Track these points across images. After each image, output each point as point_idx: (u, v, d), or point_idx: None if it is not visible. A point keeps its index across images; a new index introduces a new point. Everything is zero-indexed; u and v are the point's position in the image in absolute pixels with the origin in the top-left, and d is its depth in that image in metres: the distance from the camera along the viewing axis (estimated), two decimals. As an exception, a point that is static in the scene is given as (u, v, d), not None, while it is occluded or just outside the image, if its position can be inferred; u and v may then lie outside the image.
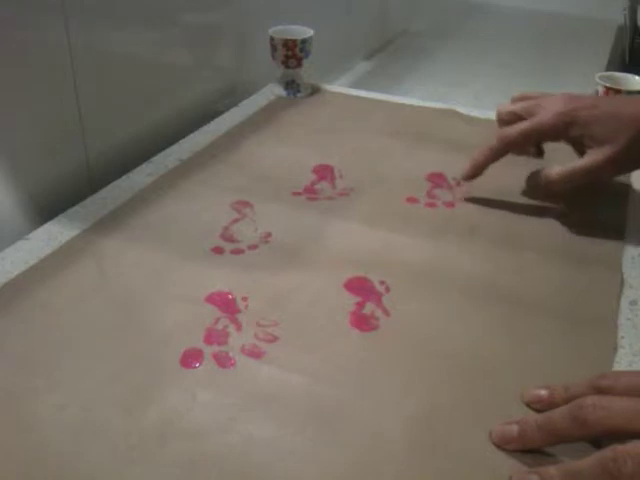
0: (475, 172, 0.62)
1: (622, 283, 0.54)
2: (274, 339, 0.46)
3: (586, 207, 0.63)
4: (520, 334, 0.48)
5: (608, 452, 0.33)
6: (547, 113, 0.59)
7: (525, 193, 0.64)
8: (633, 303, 0.52)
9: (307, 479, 0.37)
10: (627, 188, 0.67)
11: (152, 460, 0.37)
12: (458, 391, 0.42)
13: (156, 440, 0.38)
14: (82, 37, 0.64)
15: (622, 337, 0.48)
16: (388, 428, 0.40)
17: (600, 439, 0.37)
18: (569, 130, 0.58)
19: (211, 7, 0.85)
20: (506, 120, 0.63)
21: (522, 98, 0.64)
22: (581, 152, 0.59)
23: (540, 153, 0.64)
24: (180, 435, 0.39)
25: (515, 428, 0.38)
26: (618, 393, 0.37)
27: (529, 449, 0.38)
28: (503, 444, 0.38)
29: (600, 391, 0.38)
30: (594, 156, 0.56)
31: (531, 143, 0.62)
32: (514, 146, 0.60)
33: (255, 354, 0.45)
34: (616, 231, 0.60)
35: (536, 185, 0.61)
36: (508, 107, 0.63)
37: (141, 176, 0.67)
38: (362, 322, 0.48)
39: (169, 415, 0.40)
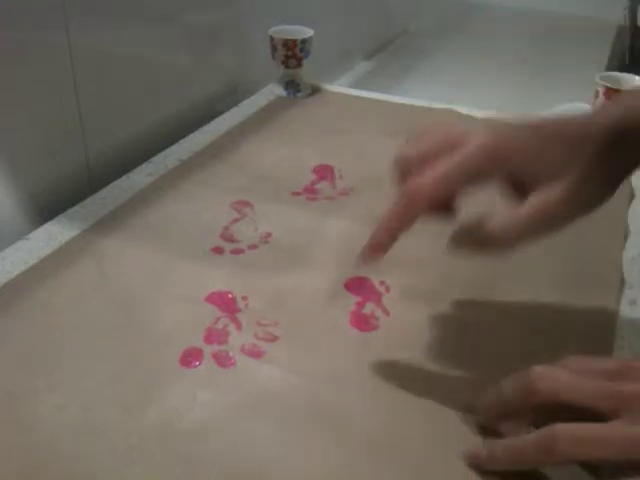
0: (377, 251, 0.42)
1: (622, 283, 0.54)
2: (274, 339, 0.46)
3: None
4: (520, 333, 0.48)
5: (549, 429, 0.34)
6: (470, 148, 0.40)
7: (453, 249, 0.43)
8: (633, 303, 0.52)
9: (307, 479, 0.37)
10: (627, 187, 0.67)
11: (152, 460, 0.37)
12: (459, 391, 0.42)
13: (156, 440, 0.38)
14: (82, 37, 0.64)
15: (622, 337, 0.48)
16: (388, 428, 0.40)
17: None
18: (503, 166, 0.40)
19: (211, 7, 0.85)
20: (408, 170, 0.42)
21: (423, 141, 0.43)
22: (521, 194, 0.41)
23: (453, 211, 0.43)
24: (180, 435, 0.39)
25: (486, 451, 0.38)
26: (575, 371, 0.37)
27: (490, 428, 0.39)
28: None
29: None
30: (544, 197, 0.40)
31: (452, 193, 0.41)
32: (429, 202, 0.40)
33: (255, 354, 0.45)
34: (616, 231, 0.60)
35: (470, 242, 0.42)
36: (412, 149, 0.43)
37: (141, 176, 0.67)
38: (362, 322, 0.48)
39: (169, 415, 0.40)
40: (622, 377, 0.35)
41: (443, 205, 0.42)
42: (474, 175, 0.40)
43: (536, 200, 0.40)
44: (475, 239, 0.41)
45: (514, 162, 0.41)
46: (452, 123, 0.44)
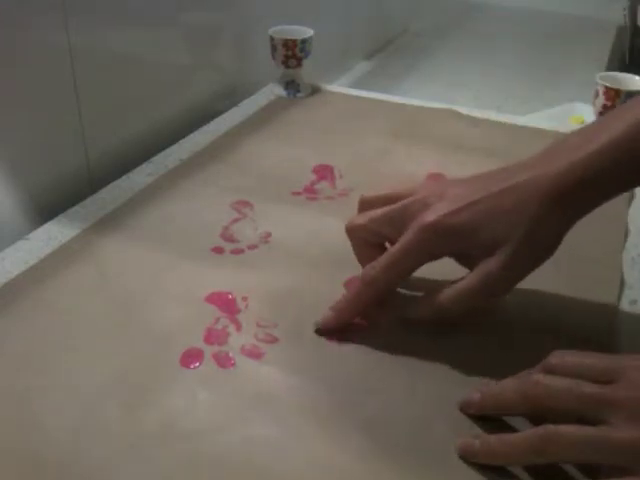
0: (337, 325, 0.47)
1: (622, 283, 0.54)
2: (274, 340, 0.46)
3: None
4: (520, 333, 0.48)
5: (540, 430, 0.35)
6: (412, 230, 0.44)
7: (409, 319, 0.48)
8: (633, 303, 0.52)
9: (307, 479, 0.37)
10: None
11: (152, 460, 0.37)
12: (460, 390, 0.42)
13: (156, 440, 0.38)
14: (82, 37, 0.64)
15: (622, 337, 0.48)
16: (388, 428, 0.40)
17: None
18: (446, 245, 0.44)
19: (211, 7, 0.85)
20: (367, 208, 0.49)
21: (377, 201, 0.49)
22: (469, 265, 0.45)
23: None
24: (180, 435, 0.39)
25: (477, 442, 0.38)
26: (563, 372, 0.37)
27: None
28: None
29: (550, 369, 0.38)
30: (486, 268, 0.43)
31: (404, 275, 0.46)
32: (384, 290, 0.46)
33: (255, 354, 0.45)
34: (616, 231, 0.60)
35: (424, 314, 0.46)
36: (362, 218, 0.49)
37: (141, 176, 0.67)
38: (362, 322, 0.48)
39: (169, 415, 0.40)
40: (612, 377, 0.36)
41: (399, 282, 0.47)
42: (420, 259, 0.45)
43: (478, 272, 0.44)
44: (427, 311, 0.46)
45: (454, 241, 0.44)
46: (394, 187, 0.49)
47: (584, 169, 0.41)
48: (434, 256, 0.45)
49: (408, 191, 0.47)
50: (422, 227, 0.43)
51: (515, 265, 0.43)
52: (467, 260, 0.45)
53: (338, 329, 0.47)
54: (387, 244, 0.48)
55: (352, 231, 0.49)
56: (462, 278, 0.44)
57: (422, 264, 0.45)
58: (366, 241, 0.49)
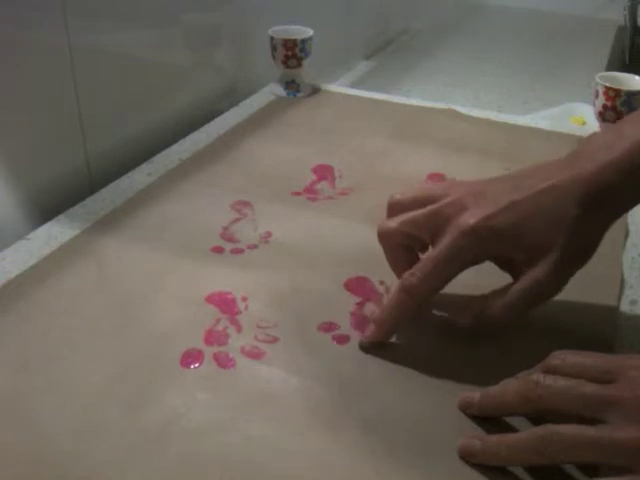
0: (383, 338, 0.46)
1: (622, 283, 0.53)
2: (274, 340, 0.46)
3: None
4: (520, 333, 0.47)
5: (541, 430, 0.35)
6: (452, 234, 0.42)
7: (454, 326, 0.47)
8: (633, 303, 0.52)
9: (307, 479, 0.37)
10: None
11: (152, 460, 0.37)
12: (461, 390, 0.42)
13: (156, 440, 0.38)
14: (82, 37, 0.64)
15: (622, 337, 0.48)
16: (388, 429, 0.40)
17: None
18: (488, 248, 0.43)
19: (211, 7, 0.85)
20: (397, 210, 0.47)
21: (407, 203, 0.47)
22: (510, 270, 0.45)
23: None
24: (180, 435, 0.39)
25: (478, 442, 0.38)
26: (564, 373, 0.37)
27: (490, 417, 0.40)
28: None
29: (550, 370, 0.38)
30: (534, 276, 0.42)
31: (446, 281, 0.44)
32: (425, 298, 0.44)
33: (255, 355, 0.45)
34: (616, 231, 0.60)
35: (470, 323, 0.45)
36: (394, 222, 0.46)
37: (141, 176, 0.67)
38: (362, 322, 0.48)
39: (169, 415, 0.40)
40: (612, 377, 0.36)
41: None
42: (462, 264, 0.44)
43: (526, 281, 0.43)
44: (474, 320, 0.45)
45: (496, 244, 0.43)
46: (425, 188, 0.49)
47: (611, 173, 0.41)
48: (476, 260, 0.44)
49: (439, 192, 0.46)
50: (463, 231, 0.42)
51: (562, 270, 0.42)
52: (509, 264, 0.45)
53: (384, 342, 0.46)
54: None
55: (384, 235, 0.47)
56: (507, 287, 0.44)
57: (464, 269, 0.44)
58: (399, 245, 0.47)
